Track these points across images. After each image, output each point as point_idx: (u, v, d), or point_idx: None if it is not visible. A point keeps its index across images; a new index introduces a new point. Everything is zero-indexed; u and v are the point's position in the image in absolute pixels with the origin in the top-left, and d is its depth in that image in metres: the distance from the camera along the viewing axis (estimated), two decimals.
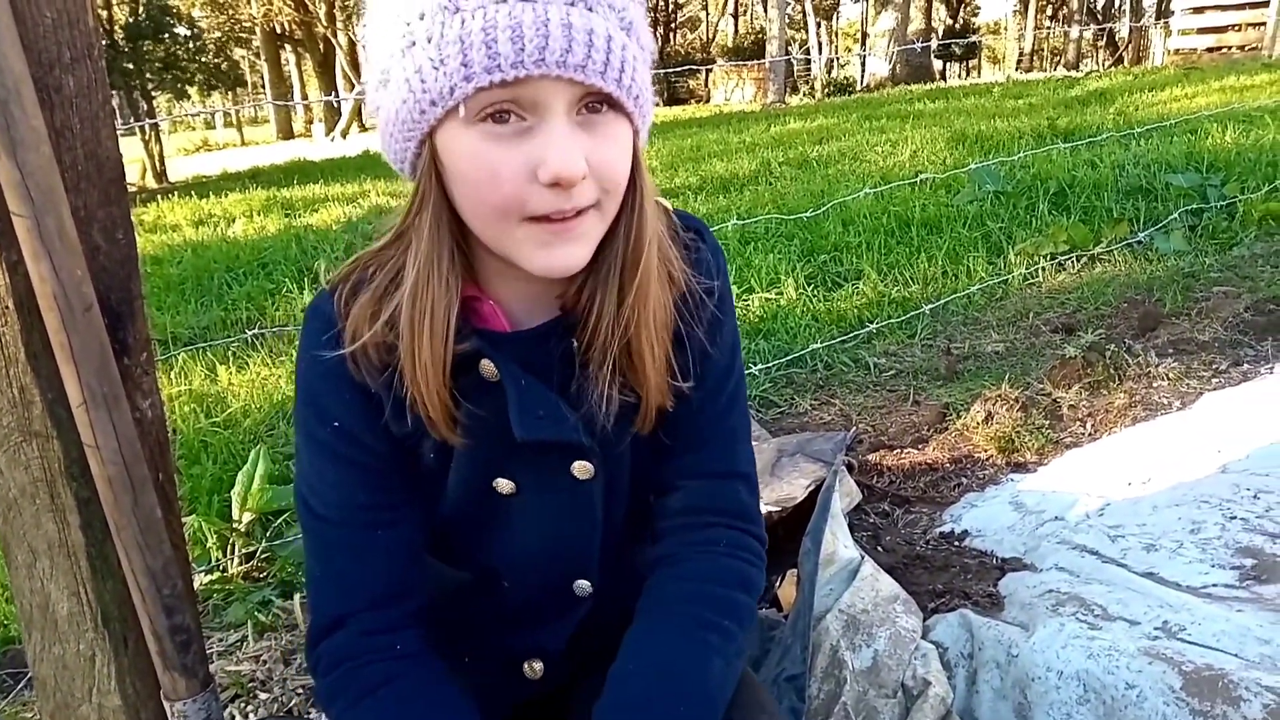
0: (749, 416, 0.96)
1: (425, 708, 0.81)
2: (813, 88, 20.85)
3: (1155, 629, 1.34)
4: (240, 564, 2.05)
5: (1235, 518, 1.66)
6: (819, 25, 28.73)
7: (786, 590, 1.63)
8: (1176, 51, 15.01)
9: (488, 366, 0.80)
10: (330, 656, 0.84)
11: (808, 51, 26.30)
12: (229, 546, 2.09)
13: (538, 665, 0.95)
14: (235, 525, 2.14)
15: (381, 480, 0.84)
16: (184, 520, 2.10)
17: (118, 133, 1.00)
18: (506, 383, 0.80)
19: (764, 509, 1.76)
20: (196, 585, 1.84)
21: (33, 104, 0.85)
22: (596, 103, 0.70)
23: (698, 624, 0.83)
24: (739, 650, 0.84)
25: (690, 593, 0.86)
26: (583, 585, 0.92)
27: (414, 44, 0.68)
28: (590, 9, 0.67)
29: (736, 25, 36.83)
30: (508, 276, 0.80)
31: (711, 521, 0.90)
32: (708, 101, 26.24)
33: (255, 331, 2.08)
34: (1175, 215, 4.21)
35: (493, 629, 0.95)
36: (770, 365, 3.02)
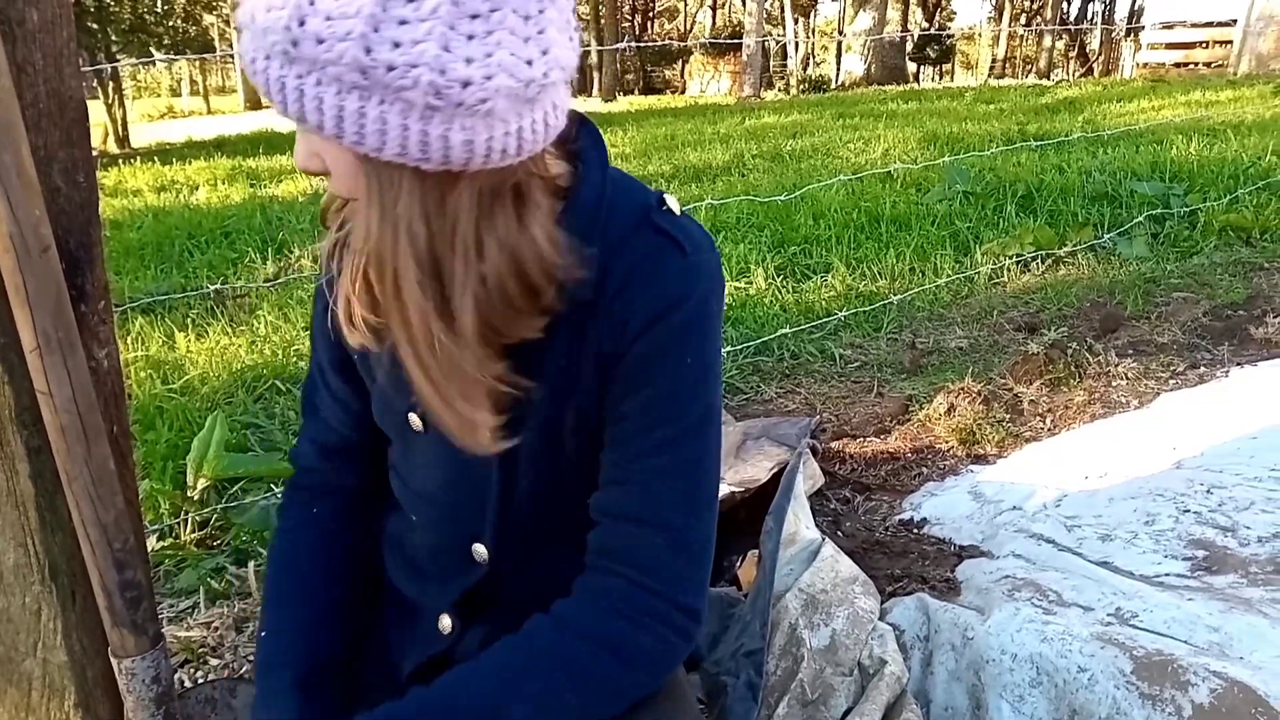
0: (705, 466, 0.83)
1: (300, 569, 1.00)
2: (788, 83, 20.92)
3: (1108, 615, 1.36)
4: (194, 531, 2.02)
5: (1188, 511, 1.70)
6: (796, 22, 28.81)
7: (746, 570, 1.63)
8: (1145, 65, 15.28)
9: None
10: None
11: (784, 47, 26.37)
12: (182, 513, 2.05)
13: (445, 621, 0.96)
14: (190, 492, 2.10)
15: (344, 367, 0.96)
16: (137, 484, 2.06)
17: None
18: None
19: (727, 490, 1.76)
20: (148, 551, 1.80)
21: None
22: None
23: (522, 671, 0.80)
24: (566, 709, 0.79)
25: (541, 639, 0.82)
26: (479, 550, 0.93)
27: None
28: (287, 63, 0.65)
29: (714, 18, 36.80)
30: None
31: (611, 569, 0.82)
32: (683, 92, 26.23)
33: (216, 288, 2.03)
34: (1139, 221, 4.29)
35: (405, 571, 1.00)
36: (738, 350, 3.03)
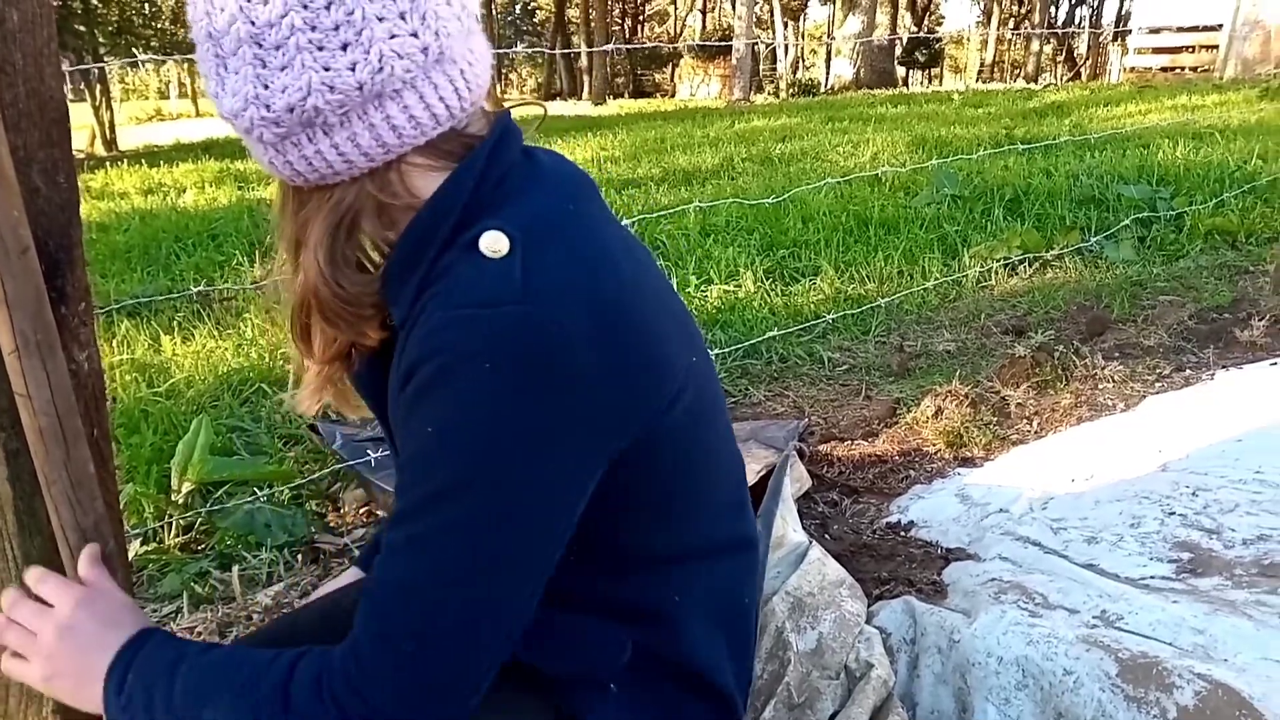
0: (433, 550, 0.71)
1: None
2: (778, 87, 20.98)
3: (1094, 617, 1.36)
4: (178, 535, 2.00)
5: (1174, 513, 1.70)
6: (786, 25, 28.87)
7: None
8: (1132, 69, 15.39)
9: None
10: None
11: (774, 51, 26.44)
12: (166, 517, 2.03)
13: None
14: (174, 495, 2.08)
15: None
16: (121, 489, 2.04)
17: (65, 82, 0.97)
18: None
19: None
20: (131, 555, 1.79)
21: None
22: None
23: (242, 684, 0.76)
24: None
25: (274, 672, 0.75)
26: None
27: None
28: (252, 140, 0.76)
29: (704, 21, 36.87)
30: None
31: (349, 636, 0.74)
32: (673, 96, 26.27)
33: (202, 289, 2.02)
34: (1125, 225, 4.30)
35: None
36: (726, 353, 3.03)
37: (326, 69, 0.69)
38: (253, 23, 0.68)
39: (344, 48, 0.69)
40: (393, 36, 0.69)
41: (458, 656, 0.72)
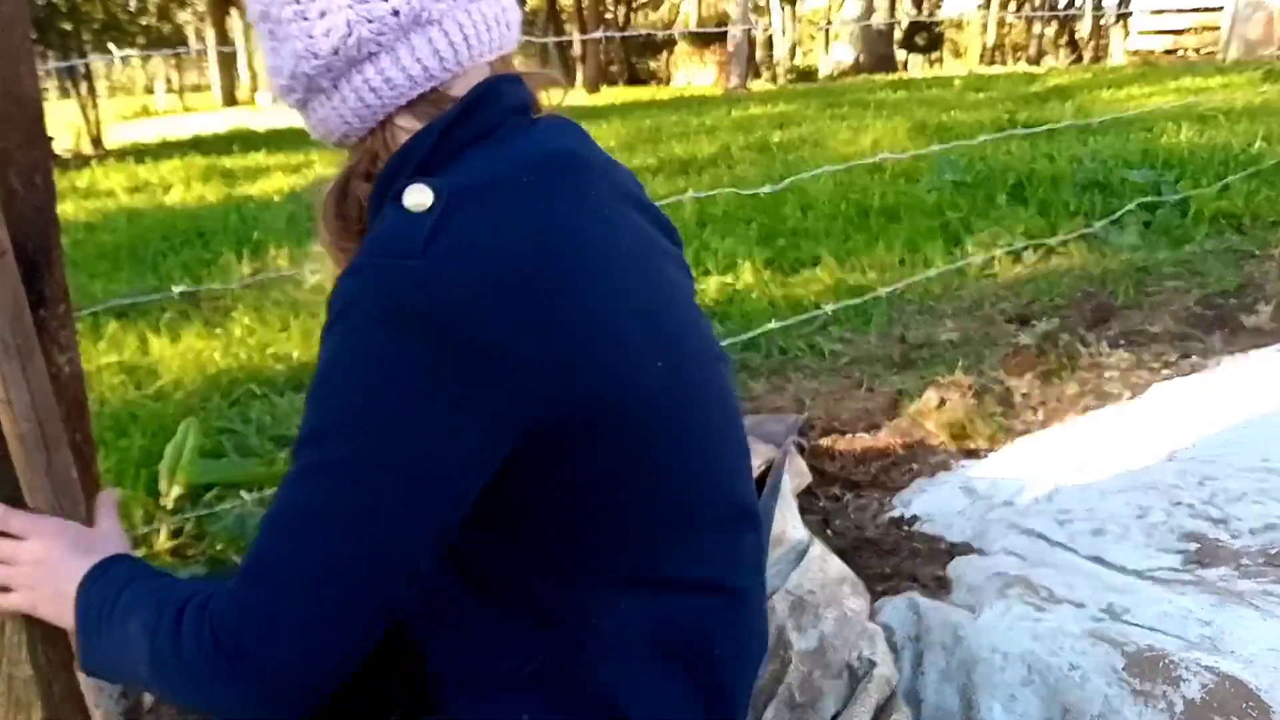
0: (301, 487, 0.71)
1: None
2: (775, 73, 20.90)
3: (1100, 611, 1.35)
4: (168, 539, 1.98)
5: (1180, 504, 1.69)
6: (783, 10, 28.76)
7: None
8: (1135, 51, 15.31)
9: None
10: None
11: (771, 37, 26.35)
12: (155, 521, 2.01)
13: None
14: (163, 499, 2.06)
15: None
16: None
17: (42, 87, 0.95)
18: None
19: None
20: None
21: None
22: None
23: (151, 603, 0.76)
24: (138, 660, 0.75)
25: (176, 593, 0.76)
26: None
27: None
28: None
29: (700, 7, 36.69)
30: None
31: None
32: (669, 83, 26.15)
33: (188, 289, 1.99)
34: (1130, 210, 4.27)
35: None
36: (725, 346, 3.01)
37: (310, 37, 0.75)
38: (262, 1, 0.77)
39: (321, 15, 0.74)
40: (361, 1, 0.74)
41: (325, 600, 0.69)
